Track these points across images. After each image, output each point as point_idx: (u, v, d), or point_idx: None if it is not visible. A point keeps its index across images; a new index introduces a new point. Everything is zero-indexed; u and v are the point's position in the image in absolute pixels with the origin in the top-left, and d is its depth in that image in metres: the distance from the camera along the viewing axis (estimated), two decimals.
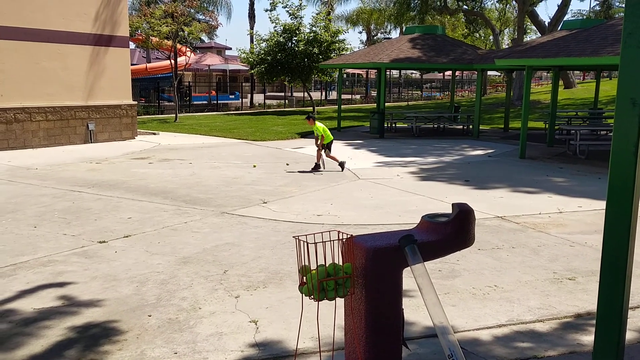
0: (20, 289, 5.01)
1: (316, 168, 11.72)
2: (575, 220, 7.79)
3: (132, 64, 23.56)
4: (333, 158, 11.86)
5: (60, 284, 5.16)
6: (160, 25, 22.47)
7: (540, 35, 33.39)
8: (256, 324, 4.35)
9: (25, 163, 12.13)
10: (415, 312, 4.47)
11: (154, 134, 18.47)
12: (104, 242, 6.47)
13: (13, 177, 10.46)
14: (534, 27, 44.30)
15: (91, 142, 15.95)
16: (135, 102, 17.94)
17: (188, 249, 6.23)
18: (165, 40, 23.92)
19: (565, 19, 31.21)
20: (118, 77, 16.69)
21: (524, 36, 35.50)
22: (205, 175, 10.97)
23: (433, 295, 2.56)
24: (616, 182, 2.87)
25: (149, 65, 34.49)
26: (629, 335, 4.11)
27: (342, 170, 11.62)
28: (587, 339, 4.10)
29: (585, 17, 54.58)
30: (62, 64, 15.14)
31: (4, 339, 4.08)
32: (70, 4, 15.15)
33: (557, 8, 32.90)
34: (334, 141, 12.20)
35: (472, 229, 2.85)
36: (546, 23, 34.42)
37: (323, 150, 11.71)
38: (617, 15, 52.14)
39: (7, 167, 11.55)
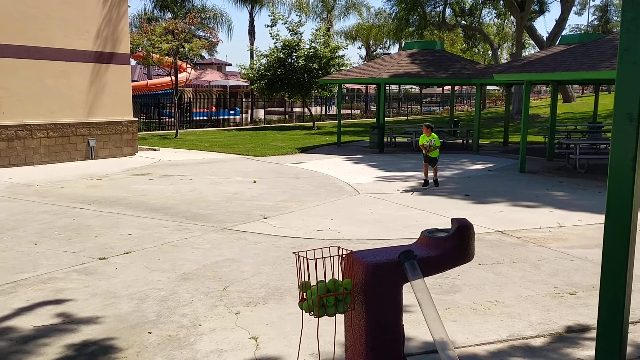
0: (20, 306, 5.00)
1: (425, 184, 11.69)
2: (576, 234, 7.78)
3: (133, 81, 23.72)
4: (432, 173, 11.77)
5: (60, 301, 5.15)
6: (161, 42, 22.64)
7: (538, 50, 33.60)
8: (256, 341, 4.33)
9: (26, 180, 12.15)
10: (416, 328, 4.46)
11: (155, 150, 18.52)
12: (104, 258, 6.47)
13: (14, 194, 10.48)
14: (532, 42, 44.62)
15: (92, 159, 15.99)
16: (136, 119, 18.01)
17: (188, 265, 6.22)
18: (166, 57, 24.08)
19: (563, 33, 31.41)
20: (119, 94, 16.78)
21: (523, 51, 35.73)
22: (206, 191, 10.98)
23: (433, 311, 2.55)
24: (614, 196, 2.88)
25: (149, 81, 34.68)
26: (629, 350, 4.10)
27: (436, 185, 11.62)
28: (589, 354, 4.08)
29: (583, 31, 55.05)
30: (63, 82, 15.23)
31: (3, 356, 4.06)
32: (73, 22, 15.29)
33: (555, 23, 33.16)
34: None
35: (472, 244, 2.85)
36: (544, 38, 34.68)
37: (430, 163, 11.60)
38: (614, 30, 52.55)
39: (8, 184, 11.57)
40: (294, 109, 41.03)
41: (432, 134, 11.53)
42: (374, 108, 44.18)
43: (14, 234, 7.53)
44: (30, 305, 5.04)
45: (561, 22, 32.45)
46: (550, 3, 47.52)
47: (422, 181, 11.85)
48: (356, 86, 49.44)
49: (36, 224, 8.10)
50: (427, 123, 12.07)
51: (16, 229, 7.83)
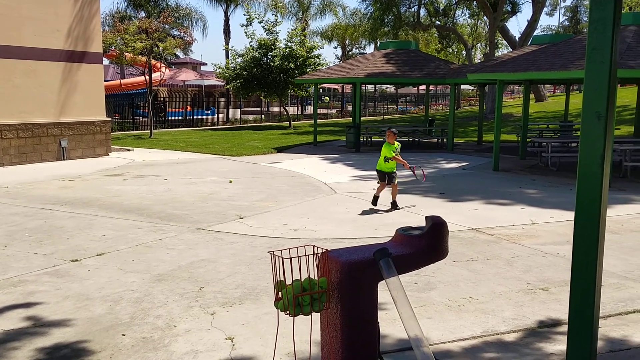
0: None
1: (374, 201, 9.49)
2: (548, 231, 7.91)
3: (106, 80, 23.40)
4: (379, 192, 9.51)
5: (31, 304, 5.04)
6: (135, 41, 22.35)
7: (511, 50, 34.09)
8: (232, 341, 4.31)
9: None
10: (391, 325, 4.48)
11: (129, 150, 18.28)
12: (77, 260, 6.36)
13: None
14: (505, 42, 45.24)
15: (64, 160, 15.71)
16: (109, 119, 17.75)
17: (163, 266, 6.15)
18: (140, 56, 23.80)
19: (535, 34, 31.95)
20: (91, 93, 16.51)
21: (496, 51, 36.21)
22: (181, 191, 10.88)
23: (408, 308, 2.57)
24: (584, 193, 2.94)
25: (123, 81, 34.22)
26: (600, 344, 4.18)
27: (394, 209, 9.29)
28: (561, 348, 4.16)
29: (554, 32, 56.03)
30: (34, 81, 14.93)
31: None
32: (43, 20, 14.99)
33: (527, 23, 33.68)
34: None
35: (446, 241, 2.88)
36: (517, 38, 35.18)
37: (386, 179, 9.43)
38: (585, 30, 53.55)
39: None
40: (270, 109, 40.92)
41: (396, 142, 9.59)
42: (350, 108, 44.32)
43: None
44: None
45: (533, 22, 32.98)
46: (522, 4, 48.33)
47: (372, 198, 9.57)
48: (332, 86, 49.56)
49: (6, 226, 7.92)
50: (392, 128, 9.80)
51: None
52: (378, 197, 9.55)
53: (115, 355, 4.08)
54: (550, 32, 55.25)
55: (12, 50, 14.36)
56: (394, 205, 9.35)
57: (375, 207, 9.37)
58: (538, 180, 12.51)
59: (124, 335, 4.41)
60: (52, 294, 5.30)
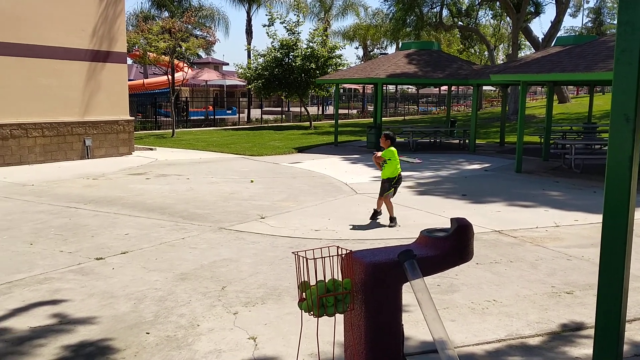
0: (15, 307, 4.98)
1: (375, 215, 8.41)
2: (572, 233, 7.80)
3: (129, 80, 23.67)
4: (388, 205, 8.26)
5: (56, 302, 5.13)
6: (158, 41, 22.57)
7: (534, 51, 33.69)
8: (255, 341, 4.33)
9: (22, 179, 12.11)
10: (415, 327, 4.46)
11: (151, 149, 18.48)
12: (101, 258, 6.45)
13: (9, 194, 10.44)
14: (528, 43, 44.74)
15: (88, 158, 15.94)
16: (133, 118, 17.96)
17: (186, 265, 6.21)
18: (163, 56, 24.02)
19: (558, 35, 31.51)
20: (115, 93, 16.73)
21: (519, 52, 35.84)
22: (203, 190, 10.96)
23: (433, 311, 2.56)
24: (612, 196, 2.89)
25: (146, 80, 34.61)
26: (626, 348, 4.11)
27: (393, 226, 8.12)
28: (586, 352, 4.10)
29: (577, 33, 55.20)
30: (59, 80, 15.18)
31: None
32: (68, 20, 15.24)
33: (550, 24, 33.27)
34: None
35: (471, 244, 2.86)
36: (540, 39, 34.76)
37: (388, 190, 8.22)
38: (608, 32, 52.73)
39: (3, 184, 11.52)
40: (291, 109, 41.01)
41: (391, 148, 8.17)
42: (370, 108, 44.21)
43: (10, 234, 7.50)
44: (26, 306, 5.02)
45: (556, 23, 32.56)
46: (546, 5, 47.68)
47: (372, 211, 8.47)
48: (353, 86, 49.46)
49: (32, 224, 8.07)
50: (387, 132, 8.50)
51: (11, 229, 7.80)
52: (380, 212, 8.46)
53: (140, 353, 4.13)
54: (573, 34, 54.42)
55: (38, 50, 14.63)
56: (393, 220, 8.22)
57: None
58: (561, 183, 12.35)
59: (148, 333, 4.46)
60: (78, 292, 5.38)
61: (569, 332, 4.53)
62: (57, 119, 15.22)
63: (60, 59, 15.17)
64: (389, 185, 8.18)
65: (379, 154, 8.19)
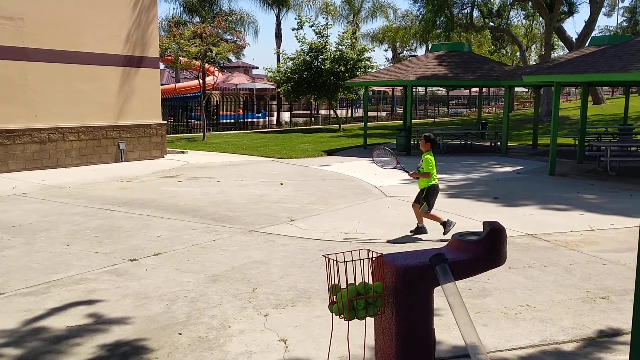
0: (53, 307, 5.11)
1: (419, 231, 7.76)
2: (608, 238, 7.62)
3: (161, 84, 24.05)
4: (433, 217, 7.64)
5: (92, 302, 5.24)
6: (189, 46, 22.91)
7: (567, 51, 33.05)
8: (285, 343, 4.35)
9: (59, 182, 12.42)
10: (446, 332, 4.42)
11: (183, 152, 18.74)
12: (135, 260, 6.57)
13: (47, 196, 10.72)
14: (561, 43, 43.92)
15: (122, 161, 16.26)
16: (165, 122, 18.26)
17: (217, 267, 6.28)
18: (194, 61, 24.35)
19: (592, 35, 30.85)
20: (148, 97, 17.04)
21: (552, 52, 35.20)
22: (233, 193, 11.07)
23: (465, 315, 2.54)
24: None
25: (178, 85, 35.13)
26: None
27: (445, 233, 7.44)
28: (622, 358, 4.00)
29: (612, 33, 53.98)
30: (94, 85, 15.53)
31: (36, 356, 4.15)
32: (104, 26, 15.58)
33: (584, 24, 32.59)
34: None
35: (504, 248, 2.83)
36: (574, 39, 34.09)
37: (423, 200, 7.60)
38: None
39: (41, 186, 11.84)
40: (320, 112, 41.11)
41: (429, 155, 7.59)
42: (400, 110, 44.00)
43: (48, 235, 7.70)
44: (63, 306, 5.14)
45: (590, 23, 31.88)
46: (580, 4, 46.72)
47: (416, 227, 7.82)
48: (382, 88, 49.36)
49: (68, 226, 8.27)
50: (427, 134, 7.86)
51: (49, 230, 8.01)
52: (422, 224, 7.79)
53: (173, 353, 4.19)
54: (608, 34, 53.24)
55: (75, 56, 15.00)
56: (420, 230, 7.77)
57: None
58: (596, 185, 12.07)
59: (180, 334, 4.53)
60: (112, 292, 5.49)
61: (604, 338, 4.43)
62: (93, 123, 15.57)
63: (96, 65, 15.52)
64: (424, 197, 7.56)
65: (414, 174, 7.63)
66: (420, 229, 7.75)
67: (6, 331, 4.58)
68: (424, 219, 7.72)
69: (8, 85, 13.78)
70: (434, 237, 7.50)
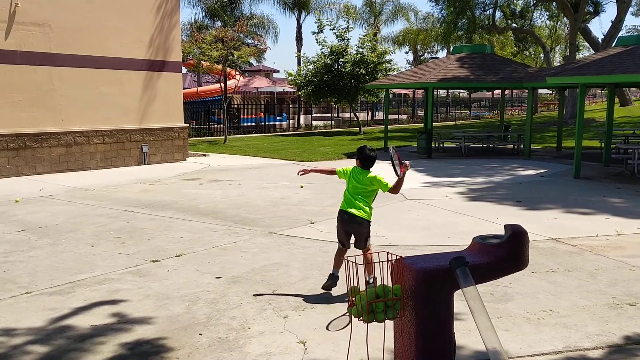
0: (78, 306, 5.19)
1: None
2: (635, 242, 7.46)
3: (183, 88, 24.29)
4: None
5: (115, 302, 5.31)
6: (211, 50, 23.10)
7: (593, 52, 32.54)
8: (304, 345, 4.35)
9: (83, 184, 12.61)
10: (466, 336, 4.37)
11: (204, 155, 18.89)
12: (157, 261, 6.64)
13: (72, 198, 10.89)
14: (586, 44, 43.26)
15: (145, 164, 16.46)
16: (187, 125, 18.43)
17: (237, 269, 6.31)
18: (216, 65, 24.55)
19: (619, 35, 30.31)
20: (171, 101, 17.22)
21: (577, 53, 34.69)
22: (254, 195, 11.12)
23: (486, 319, 2.50)
24: None
25: (199, 88, 35.43)
26: None
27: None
28: None
29: None
30: (118, 89, 15.76)
31: (61, 354, 4.22)
32: (127, 31, 15.81)
33: (610, 24, 32.07)
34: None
35: (526, 251, 2.78)
36: (599, 39, 33.54)
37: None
38: None
39: (66, 188, 12.04)
40: (341, 115, 41.07)
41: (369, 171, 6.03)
42: (421, 113, 43.75)
43: (73, 236, 7.82)
44: (87, 305, 5.22)
45: (617, 23, 31.32)
46: (606, 4, 46.04)
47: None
48: (403, 91, 49.10)
49: (93, 227, 8.39)
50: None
51: (74, 231, 8.14)
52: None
53: (193, 353, 4.22)
54: (636, 33, 52.28)
55: (99, 60, 15.24)
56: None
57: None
58: (623, 189, 11.84)
59: (200, 334, 4.56)
60: (135, 292, 5.56)
61: (632, 345, 4.34)
62: (117, 127, 15.79)
63: (120, 69, 15.74)
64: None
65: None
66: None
67: (33, 329, 4.66)
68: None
69: (36, 90, 14.06)
70: (455, 243, 7.43)
